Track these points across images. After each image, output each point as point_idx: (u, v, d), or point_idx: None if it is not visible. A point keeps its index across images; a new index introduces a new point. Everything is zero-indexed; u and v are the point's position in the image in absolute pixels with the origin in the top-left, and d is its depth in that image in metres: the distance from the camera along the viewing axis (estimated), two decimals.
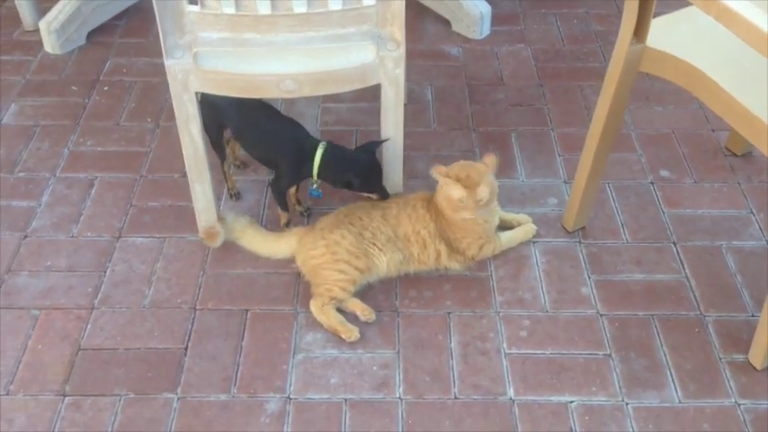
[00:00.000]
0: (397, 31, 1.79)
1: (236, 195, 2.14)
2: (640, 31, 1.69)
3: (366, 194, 1.98)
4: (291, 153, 1.96)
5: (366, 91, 1.93)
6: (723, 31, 1.56)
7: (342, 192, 2.16)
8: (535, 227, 2.04)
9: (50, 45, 2.66)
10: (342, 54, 1.79)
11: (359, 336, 1.79)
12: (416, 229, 1.91)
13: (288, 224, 2.06)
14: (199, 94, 1.83)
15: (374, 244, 1.88)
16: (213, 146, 2.02)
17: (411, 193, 2.02)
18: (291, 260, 1.96)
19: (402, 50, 1.79)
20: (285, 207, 2.05)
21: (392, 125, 1.91)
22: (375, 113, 2.02)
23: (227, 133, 2.08)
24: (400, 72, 1.81)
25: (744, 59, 1.67)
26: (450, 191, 1.85)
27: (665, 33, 1.75)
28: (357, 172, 1.92)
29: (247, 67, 1.77)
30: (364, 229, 1.90)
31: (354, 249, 1.86)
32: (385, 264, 1.89)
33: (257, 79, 1.79)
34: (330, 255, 1.86)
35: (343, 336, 1.79)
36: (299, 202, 2.10)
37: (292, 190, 2.07)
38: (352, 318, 1.83)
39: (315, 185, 1.99)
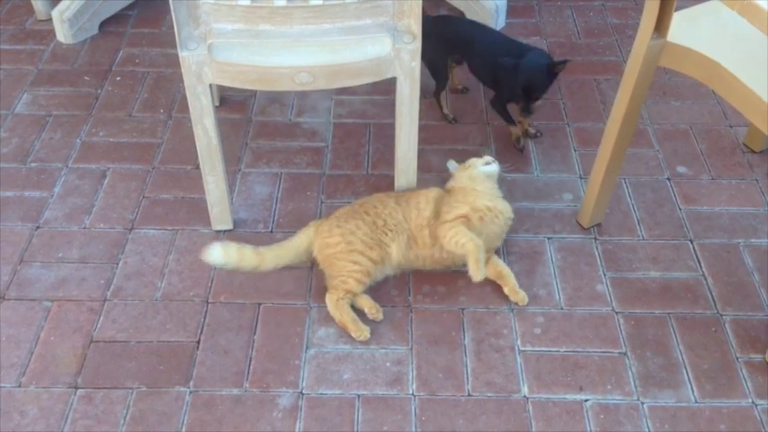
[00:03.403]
0: (414, 23, 1.76)
1: (453, 120, 2.35)
2: (661, 25, 1.66)
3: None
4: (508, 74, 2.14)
5: (380, 84, 1.91)
6: (745, 26, 1.54)
7: (358, 185, 2.15)
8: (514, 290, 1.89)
9: (63, 34, 2.65)
10: (357, 47, 1.77)
11: (368, 336, 1.78)
12: (420, 210, 1.90)
13: (519, 140, 2.26)
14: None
15: (385, 232, 1.87)
16: (436, 75, 2.30)
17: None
18: None
19: (418, 43, 1.77)
20: (511, 120, 2.26)
21: (407, 119, 1.89)
22: (389, 106, 2.01)
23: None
24: (416, 65, 1.79)
25: (764, 53, 1.64)
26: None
27: (686, 28, 1.72)
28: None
29: (262, 60, 1.76)
30: (378, 217, 1.89)
31: (368, 240, 1.85)
32: (395, 251, 1.87)
33: (272, 71, 1.77)
34: (345, 244, 1.84)
35: (353, 334, 1.78)
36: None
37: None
38: (362, 316, 1.81)
39: None
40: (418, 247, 1.88)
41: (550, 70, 2.10)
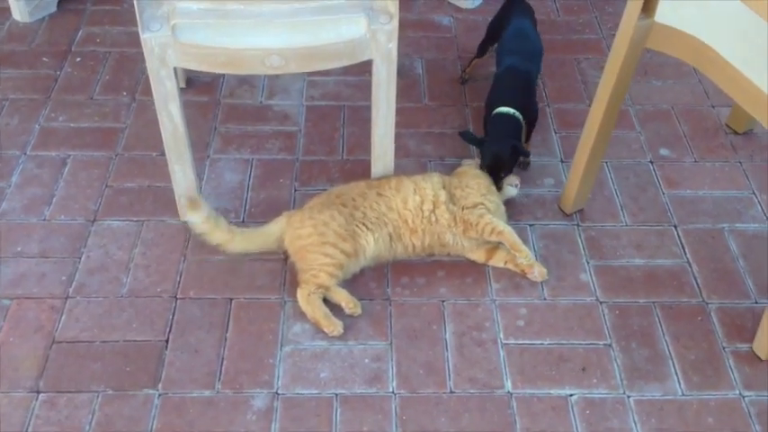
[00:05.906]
0: (390, 2, 1.68)
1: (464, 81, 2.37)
2: (649, 5, 1.59)
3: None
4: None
5: (354, 64, 1.82)
6: (732, 6, 1.48)
7: (333, 171, 2.08)
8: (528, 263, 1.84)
9: (19, 12, 2.52)
10: (331, 27, 1.68)
11: (342, 331, 1.71)
12: (420, 191, 1.85)
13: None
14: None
15: (363, 224, 1.80)
16: (483, 42, 2.30)
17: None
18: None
19: (395, 23, 1.69)
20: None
21: (384, 102, 1.81)
22: (364, 87, 1.93)
23: None
24: (393, 46, 1.71)
25: (754, 35, 1.58)
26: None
27: (673, 8, 1.65)
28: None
29: (230, 41, 1.66)
30: (356, 209, 1.82)
31: (342, 231, 1.78)
32: (372, 242, 1.80)
33: (241, 54, 1.68)
34: (317, 236, 1.77)
35: (325, 329, 1.71)
36: None
37: None
38: (337, 311, 1.75)
39: None
40: (411, 234, 1.82)
41: (514, 152, 1.93)
